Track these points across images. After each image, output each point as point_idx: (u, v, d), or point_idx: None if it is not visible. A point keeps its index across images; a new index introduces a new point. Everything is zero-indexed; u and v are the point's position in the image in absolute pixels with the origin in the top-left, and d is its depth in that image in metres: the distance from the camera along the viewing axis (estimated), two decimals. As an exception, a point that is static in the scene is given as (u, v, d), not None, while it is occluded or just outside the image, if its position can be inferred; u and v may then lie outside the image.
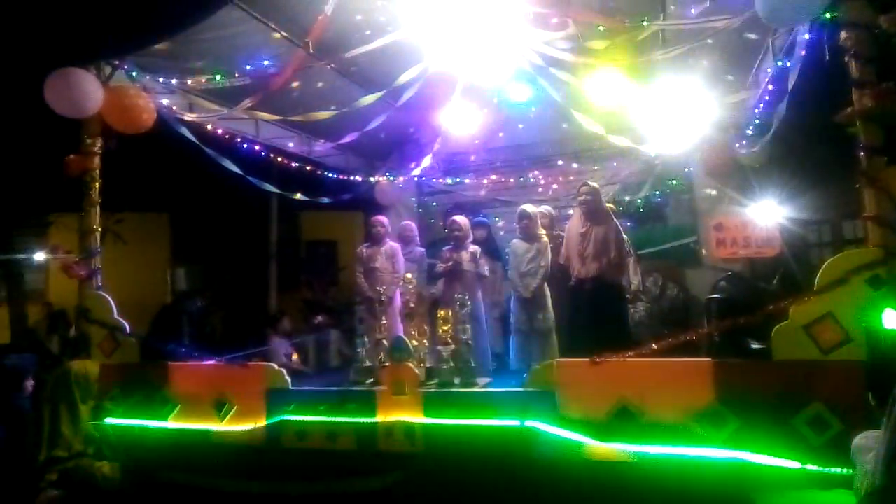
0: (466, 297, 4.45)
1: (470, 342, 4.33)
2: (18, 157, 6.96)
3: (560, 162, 7.77)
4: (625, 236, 5.30)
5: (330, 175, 7.38)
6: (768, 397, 3.30)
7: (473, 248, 5.57)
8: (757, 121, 5.70)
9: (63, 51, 4.81)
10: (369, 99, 5.79)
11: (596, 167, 7.51)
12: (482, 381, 4.35)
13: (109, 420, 4.33)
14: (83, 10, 4.73)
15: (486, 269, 5.59)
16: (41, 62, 4.86)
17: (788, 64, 4.29)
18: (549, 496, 3.53)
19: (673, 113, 5.32)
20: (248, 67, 5.41)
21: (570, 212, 6.23)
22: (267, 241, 8.29)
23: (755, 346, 3.87)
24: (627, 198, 7.47)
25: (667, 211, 7.71)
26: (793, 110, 4.48)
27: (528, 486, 3.54)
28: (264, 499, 4.12)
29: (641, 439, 3.40)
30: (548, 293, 5.30)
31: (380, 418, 3.98)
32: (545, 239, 5.43)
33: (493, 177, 7.93)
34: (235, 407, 4.26)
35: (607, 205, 5.52)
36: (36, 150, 6.34)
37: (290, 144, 7.22)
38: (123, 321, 4.59)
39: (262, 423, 4.14)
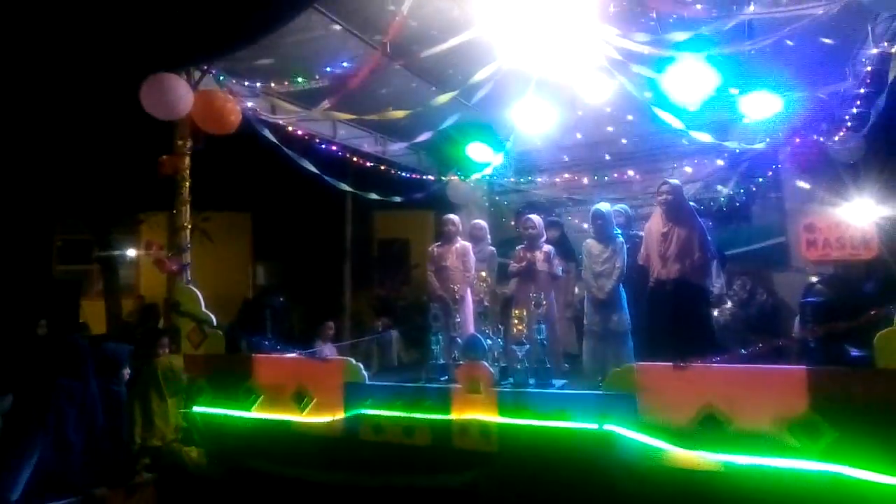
0: (542, 297, 4.40)
1: (545, 342, 4.28)
2: (112, 160, 7.41)
3: (637, 159, 7.56)
4: (709, 237, 5.09)
5: (403, 174, 7.48)
6: (869, 407, 3.09)
7: (547, 247, 5.50)
8: (854, 112, 5.35)
9: (156, 57, 5.09)
10: (443, 98, 5.84)
11: (675, 164, 7.26)
12: (557, 382, 4.29)
13: (197, 408, 4.55)
14: (175, 20, 4.99)
15: (559, 270, 5.51)
16: (136, 68, 5.16)
17: (894, 51, 4.00)
18: (628, 503, 3.44)
19: (760, 106, 5.07)
20: (327, 70, 5.56)
21: (649, 211, 6.04)
22: (342, 239, 8.50)
23: (855, 352, 3.63)
24: (709, 196, 7.18)
25: (752, 210, 7.36)
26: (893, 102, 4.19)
27: (605, 491, 3.46)
28: (342, 489, 4.22)
29: (729, 448, 3.26)
30: (623, 294, 5.16)
31: (455, 416, 3.99)
32: (620, 239, 5.30)
33: (567, 175, 7.81)
34: (314, 399, 4.38)
35: (691, 203, 5.32)
36: (127, 152, 6.73)
37: (366, 145, 7.37)
38: (211, 314, 4.81)
39: (340, 415, 4.23)
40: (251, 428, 4.47)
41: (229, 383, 4.59)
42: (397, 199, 7.28)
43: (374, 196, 7.16)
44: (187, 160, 5.28)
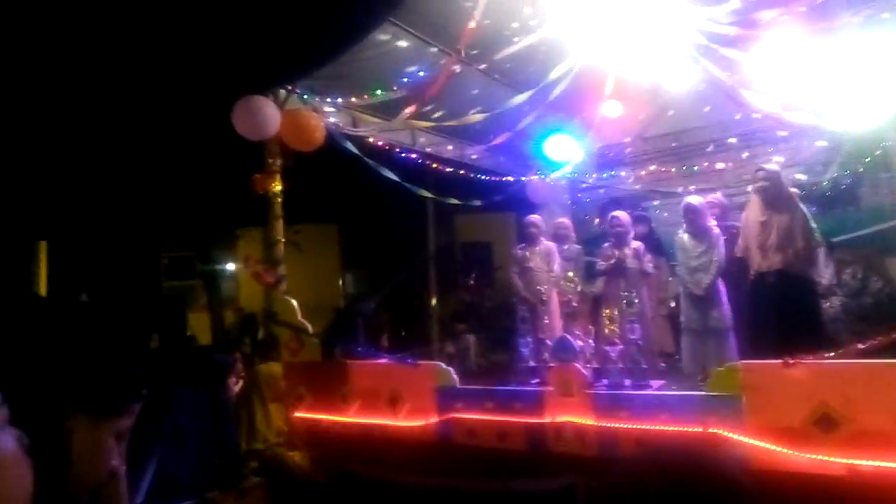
0: (634, 296, 4.27)
1: (640, 342, 4.14)
2: (210, 181, 7.87)
3: (729, 146, 7.18)
4: (813, 224, 4.76)
5: (482, 177, 7.49)
6: None
7: (636, 244, 5.33)
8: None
9: (245, 81, 5.38)
10: (519, 99, 5.80)
11: (771, 149, 6.84)
12: (655, 382, 4.14)
13: (297, 414, 4.74)
14: (261, 44, 5.26)
15: (650, 266, 5.32)
16: (227, 93, 5.46)
17: None
18: (737, 508, 3.26)
19: (863, 82, 4.69)
20: (404, 80, 5.67)
21: (745, 200, 5.73)
22: (425, 244, 8.62)
23: None
24: (811, 180, 6.71)
25: (860, 192, 6.81)
26: None
27: (712, 496, 3.30)
28: (439, 494, 4.26)
29: (848, 451, 3.02)
30: (722, 289, 4.92)
31: (548, 419, 3.94)
32: (716, 231, 5.05)
33: (652, 167, 7.54)
34: (408, 403, 4.45)
35: (792, 189, 5.00)
36: (223, 173, 7.13)
37: (450, 148, 7.44)
38: (307, 323, 5.01)
39: (433, 419, 4.28)
40: (349, 432, 4.61)
41: (327, 389, 4.76)
42: (477, 202, 7.30)
43: (454, 201, 7.22)
44: (278, 177, 5.53)
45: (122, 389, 1.42)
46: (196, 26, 5.27)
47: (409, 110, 5.66)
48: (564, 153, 6.97)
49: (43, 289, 8.58)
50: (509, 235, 9.03)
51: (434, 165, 6.97)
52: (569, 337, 4.23)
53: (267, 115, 5.25)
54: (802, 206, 4.78)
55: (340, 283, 10.37)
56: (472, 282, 8.63)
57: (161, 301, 9.05)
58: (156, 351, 5.15)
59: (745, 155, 6.99)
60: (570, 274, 5.19)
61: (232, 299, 10.02)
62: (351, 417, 4.65)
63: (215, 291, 9.41)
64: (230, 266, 9.97)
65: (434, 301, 7.87)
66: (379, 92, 5.69)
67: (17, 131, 5.97)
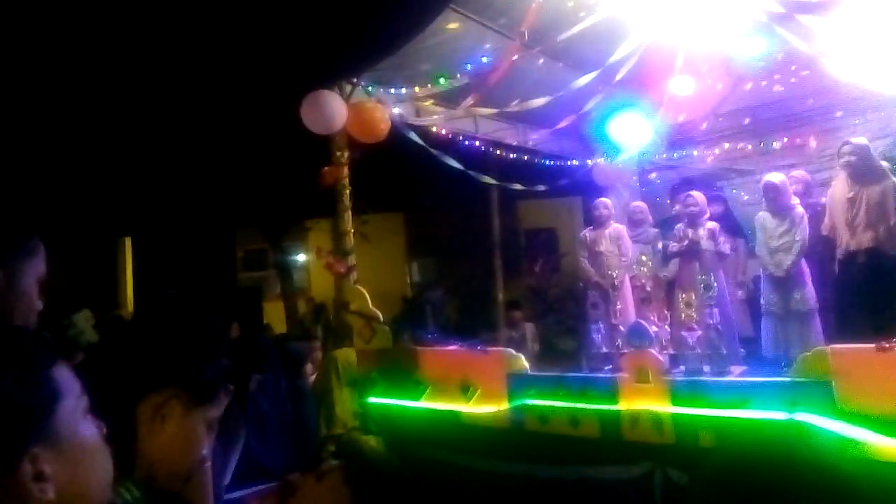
0: (712, 279, 4.12)
1: (719, 327, 4.00)
2: (280, 175, 8.12)
3: (811, 119, 6.78)
4: (906, 198, 4.44)
5: (547, 162, 7.39)
6: None
7: (711, 224, 5.13)
8: None
9: (312, 76, 5.50)
10: (584, 80, 5.68)
11: (858, 120, 6.42)
12: (736, 369, 4.00)
13: (371, 399, 4.85)
14: (326, 39, 5.35)
15: (727, 248, 5.12)
16: (293, 88, 5.60)
17: None
18: (826, 500, 3.11)
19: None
20: (468, 67, 5.65)
21: (829, 175, 5.41)
22: (489, 232, 8.62)
23: None
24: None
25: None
26: None
27: (799, 486, 3.16)
28: (512, 479, 4.28)
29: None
30: (806, 270, 4.67)
31: (623, 406, 3.88)
32: (799, 209, 4.80)
33: (727, 145, 7.21)
34: (479, 390, 4.48)
35: (882, 163, 4.69)
36: (292, 167, 7.34)
37: (509, 136, 7.39)
38: (378, 311, 5.11)
39: (505, 405, 4.29)
40: (421, 418, 4.68)
41: (399, 375, 4.84)
42: (542, 188, 7.22)
43: (518, 187, 7.16)
44: (346, 169, 5.64)
45: (213, 378, 1.49)
46: (264, 23, 5.42)
47: (472, 98, 5.65)
48: (632, 134, 6.78)
49: (129, 281, 9.15)
50: (575, 221, 8.90)
51: (497, 152, 6.94)
52: (643, 322, 4.14)
53: (334, 108, 5.35)
54: (894, 180, 4.48)
55: (406, 271, 10.52)
56: (537, 268, 8.56)
57: (238, 292, 9.45)
58: (236, 340, 5.38)
59: (828, 128, 6.60)
60: (644, 258, 5.06)
61: (304, 289, 10.35)
62: (423, 403, 4.72)
63: (289, 282, 9.74)
64: (302, 257, 10.29)
65: (500, 288, 7.86)
66: (442, 80, 5.70)
67: (104, 131, 6.33)
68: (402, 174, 8.18)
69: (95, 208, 7.59)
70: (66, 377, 0.90)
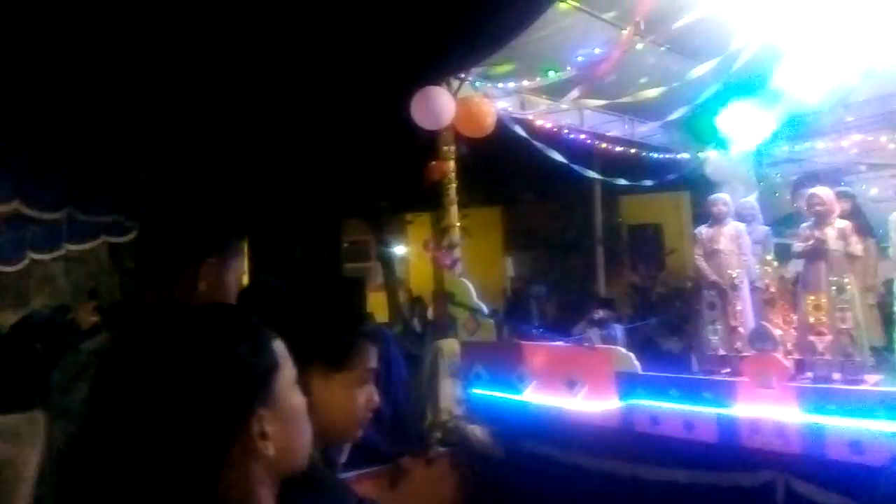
0: (845, 281, 3.85)
1: (853, 333, 3.74)
2: (385, 167, 8.36)
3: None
4: None
5: (654, 155, 7.16)
6: None
7: (841, 223, 4.77)
8: None
9: (421, 73, 5.62)
10: (700, 70, 5.46)
11: None
12: (870, 377, 3.72)
13: (475, 390, 4.93)
14: (435, 35, 5.45)
15: (858, 248, 4.74)
16: (404, 85, 5.74)
17: None
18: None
19: None
20: (578, 59, 5.57)
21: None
22: (589, 226, 8.47)
23: None
24: None
25: None
26: None
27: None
28: (619, 480, 4.22)
29: None
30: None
31: (742, 411, 3.71)
32: (945, 207, 4.37)
33: (857, 137, 6.67)
34: (586, 387, 4.44)
35: None
36: (397, 159, 7.54)
37: (615, 129, 7.22)
38: (482, 304, 5.17)
39: (613, 404, 4.23)
40: (525, 411, 4.71)
41: (503, 368, 4.89)
42: (649, 182, 7.00)
43: (623, 182, 6.99)
44: (452, 164, 5.73)
45: (349, 341, 1.57)
46: (376, 19, 5.60)
47: (578, 90, 5.57)
48: (749, 127, 6.42)
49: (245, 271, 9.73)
50: (682, 216, 8.56)
51: (603, 145, 6.80)
52: (767, 325, 3.93)
53: (443, 104, 5.45)
54: None
55: (504, 265, 10.53)
56: (640, 265, 8.31)
57: (344, 282, 9.86)
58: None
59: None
60: (769, 258, 4.79)
61: (404, 280, 10.62)
62: (527, 397, 4.74)
63: (390, 273, 10.05)
64: (402, 249, 10.57)
65: (601, 285, 7.72)
66: (550, 73, 5.65)
67: (229, 131, 6.78)
68: (502, 168, 8.20)
69: (216, 201, 8.12)
70: (282, 349, 1.02)
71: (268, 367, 0.97)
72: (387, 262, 9.95)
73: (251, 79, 6.39)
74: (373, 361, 1.57)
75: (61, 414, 1.60)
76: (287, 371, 1.02)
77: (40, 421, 0.64)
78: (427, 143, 5.87)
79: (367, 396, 1.54)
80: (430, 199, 8.01)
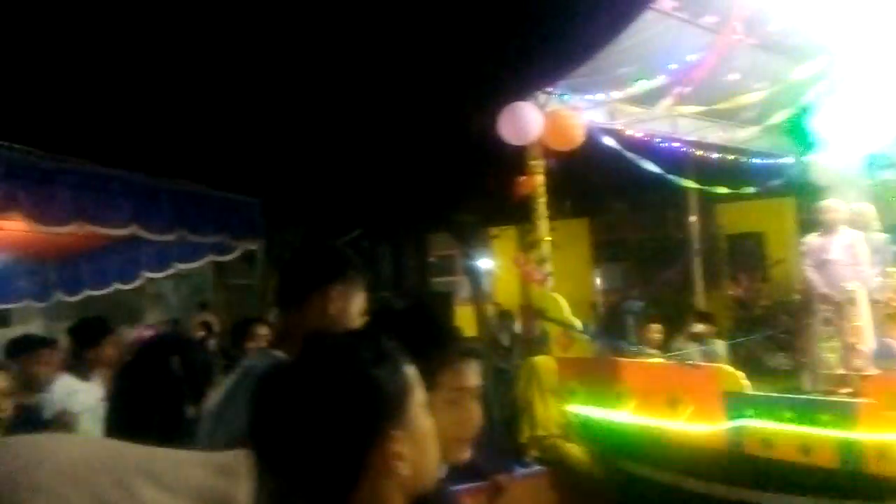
0: None
1: None
2: (469, 184, 8.42)
3: None
4: None
5: (755, 161, 6.82)
6: None
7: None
8: None
9: (508, 89, 5.64)
10: (803, 70, 5.16)
11: None
12: None
13: (571, 408, 4.84)
14: (523, 50, 5.47)
15: None
16: (491, 101, 5.78)
17: None
18: None
19: None
20: (670, 67, 5.41)
21: None
22: (684, 236, 8.14)
23: None
24: None
25: None
26: None
27: None
28: (725, 503, 4.01)
29: None
30: None
31: (867, 435, 3.44)
32: None
33: None
34: (690, 407, 4.26)
35: None
36: (481, 176, 7.58)
37: (711, 135, 6.93)
38: (576, 319, 5.09)
39: (721, 425, 4.03)
40: (625, 431, 4.57)
41: (599, 386, 4.78)
42: (750, 189, 6.67)
43: (722, 190, 6.70)
44: (541, 179, 5.70)
45: (437, 360, 1.59)
46: (463, 36, 5.68)
47: (672, 97, 5.41)
48: (861, 125, 5.98)
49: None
50: (786, 224, 8.07)
51: (699, 152, 6.55)
52: (893, 342, 3.64)
53: (531, 119, 5.45)
54: None
55: (592, 278, 10.31)
56: (742, 277, 7.89)
57: (432, 297, 9.98)
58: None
59: None
60: (893, 269, 4.44)
61: (491, 295, 10.62)
62: (626, 416, 4.60)
63: (478, 287, 10.08)
64: (488, 263, 10.58)
65: (699, 298, 7.39)
66: (641, 82, 5.52)
67: (324, 151, 7.07)
68: (589, 179, 8.06)
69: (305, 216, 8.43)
70: (413, 373, 1.06)
71: (402, 390, 1.02)
72: (473, 276, 9.99)
73: (342, 97, 6.64)
74: (470, 379, 1.55)
75: (221, 429, 1.73)
76: (418, 394, 1.05)
77: (250, 456, 0.69)
78: (514, 158, 5.88)
79: (465, 416, 1.53)
80: (515, 214, 8.01)
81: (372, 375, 1.00)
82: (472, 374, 1.46)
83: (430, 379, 1.45)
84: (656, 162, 5.96)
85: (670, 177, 6.19)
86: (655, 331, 5.81)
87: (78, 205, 5.72)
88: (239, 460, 0.71)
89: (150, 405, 2.26)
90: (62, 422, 3.01)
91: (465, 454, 1.45)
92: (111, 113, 5.97)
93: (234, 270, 9.27)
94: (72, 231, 6.04)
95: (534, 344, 5.96)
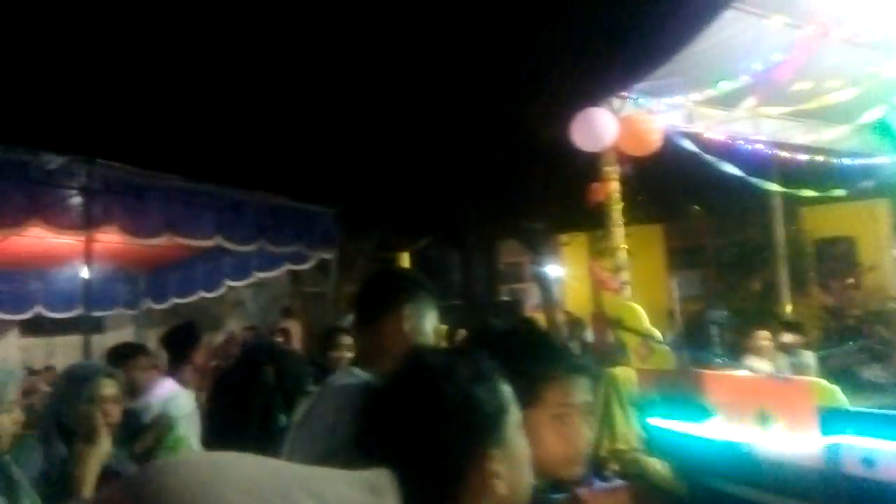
0: None
1: None
2: (538, 191, 8.37)
3: None
4: None
5: (845, 162, 6.44)
6: None
7: None
8: None
9: (582, 95, 5.58)
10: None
11: None
12: None
13: (652, 421, 4.70)
14: (597, 56, 5.40)
15: None
16: (565, 107, 5.72)
17: None
18: None
19: None
20: (753, 66, 5.20)
21: None
22: (768, 241, 7.78)
23: None
24: None
25: None
26: None
27: None
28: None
29: None
30: None
31: None
32: None
33: None
34: (782, 422, 4.05)
35: None
36: (551, 183, 7.51)
37: (797, 136, 6.61)
38: (655, 329, 4.95)
39: (816, 442, 3.81)
40: (711, 446, 4.40)
41: (682, 398, 4.62)
42: (840, 192, 6.31)
43: (809, 193, 6.37)
44: (616, 185, 5.60)
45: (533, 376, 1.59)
46: (540, 44, 5.66)
47: (755, 97, 5.19)
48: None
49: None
50: (880, 228, 7.58)
51: (783, 154, 6.25)
52: None
53: (605, 125, 5.36)
54: None
55: (667, 285, 10.00)
56: (832, 284, 7.46)
57: (501, 304, 9.98)
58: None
59: None
60: None
61: (561, 302, 10.51)
62: (712, 431, 4.42)
63: (548, 294, 10.00)
64: (557, 270, 10.48)
65: (785, 306, 7.03)
66: (722, 84, 5.33)
67: (397, 161, 7.21)
68: (664, 184, 7.84)
69: (385, 224, 8.60)
70: (510, 392, 1.06)
71: (499, 410, 1.02)
72: (543, 284, 9.92)
73: (414, 107, 6.75)
74: (577, 395, 1.52)
75: (299, 443, 1.80)
76: (515, 414, 1.06)
77: (392, 476, 0.73)
78: (586, 164, 5.79)
79: (572, 433, 1.50)
80: (586, 220, 7.88)
81: (472, 395, 1.01)
82: (580, 390, 1.44)
83: (534, 394, 1.44)
84: (738, 165, 5.74)
85: (753, 180, 5.94)
86: (763, 338, 5.51)
87: (167, 218, 6.07)
88: (383, 479, 0.73)
89: (245, 414, 2.36)
90: (162, 426, 3.18)
91: (574, 471, 1.44)
92: (198, 130, 6.30)
93: (309, 278, 9.57)
94: (162, 243, 6.41)
95: (607, 353, 5.84)
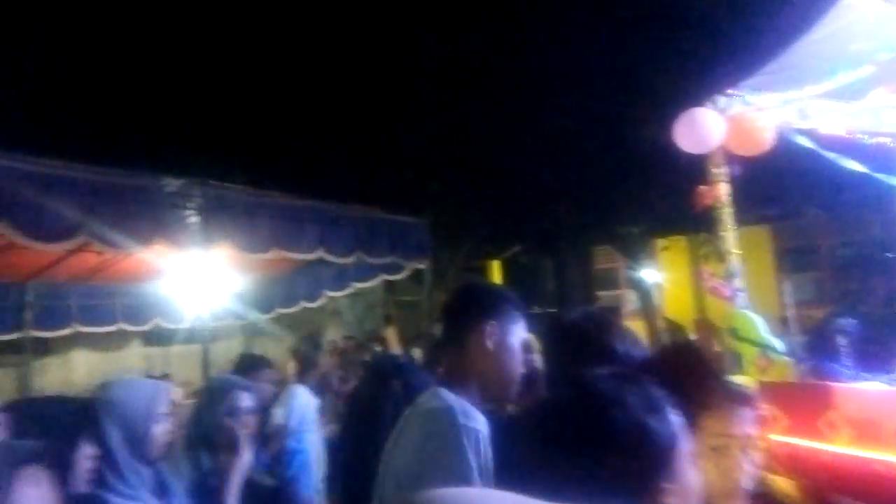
0: None
1: None
2: (635, 195, 8.13)
3: None
4: None
5: None
6: None
7: None
8: None
9: (687, 94, 5.37)
10: None
11: None
12: None
13: (776, 437, 4.42)
14: (703, 53, 5.19)
15: None
16: (666, 109, 5.53)
17: None
18: None
19: None
20: (878, 56, 4.82)
21: None
22: (891, 240, 7.16)
23: None
24: None
25: None
26: None
27: None
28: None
29: None
30: None
31: None
32: None
33: None
34: (927, 442, 3.70)
35: None
36: (650, 187, 7.27)
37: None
38: (775, 339, 4.66)
39: (972, 465, 3.46)
40: (839, 465, 4.08)
41: (806, 413, 4.32)
42: None
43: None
44: (724, 187, 5.34)
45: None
46: (641, 43, 5.52)
47: (884, 87, 4.79)
48: None
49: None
50: None
51: (913, 145, 5.73)
52: None
53: (711, 126, 5.13)
54: None
55: (779, 290, 9.43)
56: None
57: (600, 310, 9.76)
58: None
59: None
60: None
61: (660, 308, 10.14)
62: (842, 448, 4.10)
63: (647, 301, 9.68)
64: (656, 276, 10.12)
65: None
66: (842, 75, 4.96)
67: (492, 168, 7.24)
68: (774, 184, 7.41)
69: (473, 235, 8.67)
70: (679, 423, 1.00)
71: (672, 441, 0.97)
72: (641, 290, 9.60)
73: (505, 116, 6.76)
74: (739, 427, 1.45)
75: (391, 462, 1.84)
76: (686, 445, 1.00)
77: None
78: (689, 166, 5.57)
79: (731, 466, 1.42)
80: (685, 224, 7.57)
81: (646, 426, 0.97)
82: (742, 422, 1.37)
83: (691, 423, 1.38)
84: (861, 161, 5.33)
85: (878, 175, 5.49)
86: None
87: (274, 233, 6.39)
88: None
89: (377, 423, 2.42)
90: (298, 432, 3.32)
91: None
92: (299, 147, 6.60)
93: (402, 288, 9.77)
94: (269, 257, 6.75)
95: (729, 365, 5.56)
